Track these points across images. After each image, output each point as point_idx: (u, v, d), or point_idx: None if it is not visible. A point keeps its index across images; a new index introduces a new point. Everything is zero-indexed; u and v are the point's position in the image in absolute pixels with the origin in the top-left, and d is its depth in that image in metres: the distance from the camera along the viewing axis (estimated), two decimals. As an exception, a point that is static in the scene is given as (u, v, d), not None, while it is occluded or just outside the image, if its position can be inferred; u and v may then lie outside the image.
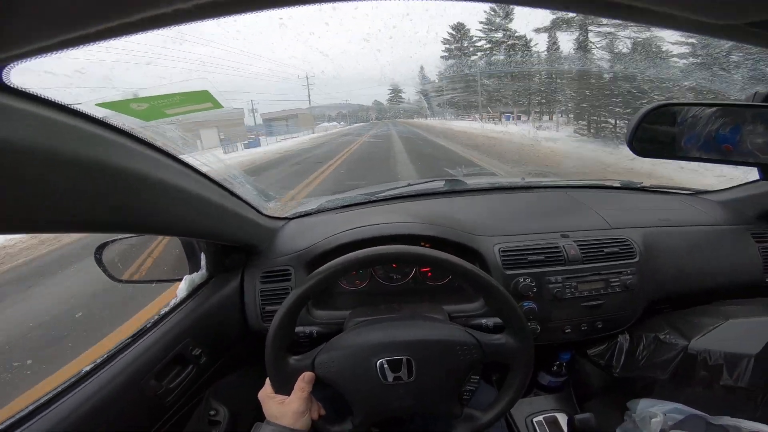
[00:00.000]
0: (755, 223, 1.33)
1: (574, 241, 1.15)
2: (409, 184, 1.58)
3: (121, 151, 0.53)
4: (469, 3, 0.26)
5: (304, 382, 0.76)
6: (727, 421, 0.90)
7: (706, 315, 1.09)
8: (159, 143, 0.62)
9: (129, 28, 0.24)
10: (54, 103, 0.44)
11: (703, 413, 0.94)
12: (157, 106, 0.53)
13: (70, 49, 0.28)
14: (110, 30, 0.23)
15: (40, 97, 0.42)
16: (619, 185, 1.61)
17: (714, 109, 0.71)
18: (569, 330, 1.13)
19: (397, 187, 1.54)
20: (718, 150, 0.73)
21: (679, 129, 0.76)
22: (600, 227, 1.23)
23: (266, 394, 0.78)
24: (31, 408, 0.67)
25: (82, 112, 0.48)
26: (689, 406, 0.97)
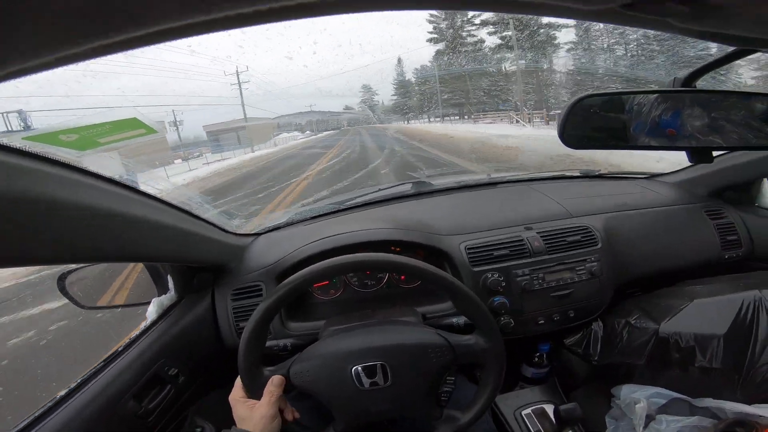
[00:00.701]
0: (708, 201, 1.37)
1: (537, 233, 1.16)
2: (379, 189, 1.58)
3: (61, 184, 0.52)
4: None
5: (273, 386, 0.76)
6: (710, 403, 0.91)
7: (672, 296, 1.10)
8: (105, 174, 0.61)
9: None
10: None
11: (685, 396, 0.95)
12: (88, 136, 0.53)
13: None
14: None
15: None
16: (578, 174, 1.64)
17: (655, 95, 0.72)
18: (542, 321, 1.14)
19: (366, 194, 1.54)
20: (664, 135, 0.74)
21: (626, 117, 0.76)
22: (562, 216, 1.25)
23: (236, 397, 0.78)
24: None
25: (12, 147, 0.47)
26: (670, 389, 0.98)
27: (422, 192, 1.54)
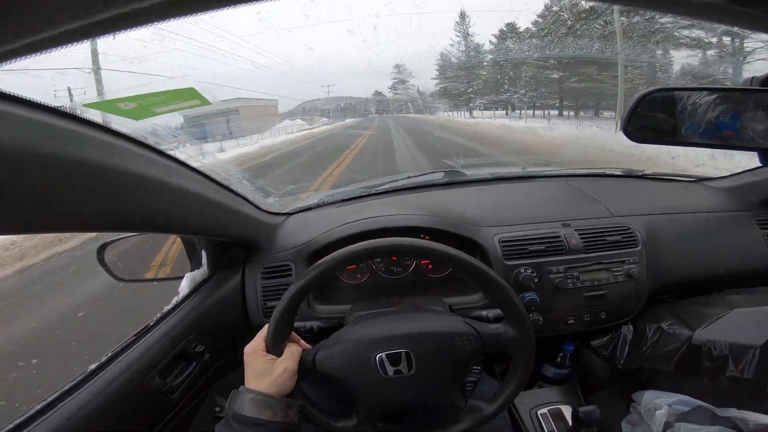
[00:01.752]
0: (759, 210, 1.31)
1: (575, 230, 1.13)
2: (408, 177, 1.57)
3: (113, 151, 0.53)
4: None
5: (297, 343, 0.77)
6: (733, 413, 0.89)
7: (710, 305, 1.07)
8: (151, 142, 0.62)
9: (108, 26, 0.24)
10: (43, 105, 0.44)
11: (708, 405, 0.93)
12: (144, 105, 0.54)
13: (50, 50, 0.28)
14: (89, 28, 0.23)
15: (29, 100, 0.42)
16: (620, 173, 1.59)
17: (714, 96, 0.70)
18: (572, 321, 1.12)
19: (397, 180, 1.53)
20: (719, 137, 0.72)
21: (680, 116, 0.75)
22: (601, 216, 1.21)
23: (256, 349, 0.73)
24: (38, 407, 0.69)
25: (71, 114, 0.48)
26: (694, 397, 0.96)
27: (455, 181, 1.52)
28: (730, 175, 1.45)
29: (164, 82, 0.52)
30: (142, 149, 0.60)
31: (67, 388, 0.73)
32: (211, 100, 0.56)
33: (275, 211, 1.23)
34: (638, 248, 1.13)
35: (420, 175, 1.60)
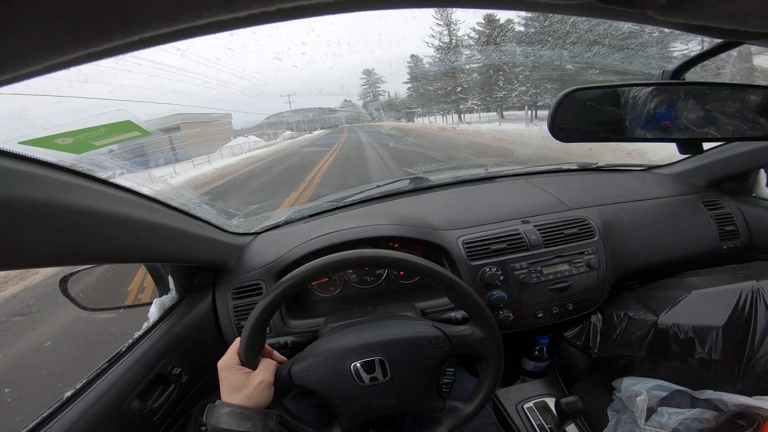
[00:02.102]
0: (705, 192, 1.37)
1: (534, 226, 1.16)
2: (377, 186, 1.58)
3: (62, 188, 0.53)
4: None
5: (271, 356, 0.77)
6: (711, 395, 0.91)
7: (670, 288, 1.10)
8: (102, 175, 0.62)
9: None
10: None
11: (686, 388, 0.96)
12: (83, 140, 0.54)
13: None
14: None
15: None
16: (575, 167, 1.63)
17: (650, 88, 0.72)
18: (541, 314, 1.14)
19: (364, 191, 1.54)
20: (658, 127, 0.74)
21: (622, 110, 0.77)
22: (559, 209, 1.25)
23: (230, 363, 0.72)
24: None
25: (10, 152, 0.48)
26: (669, 381, 0.99)
27: (420, 188, 1.54)
28: (677, 162, 1.51)
29: (97, 117, 0.52)
30: (90, 182, 0.60)
31: (45, 414, 0.72)
32: (152, 132, 0.56)
33: (241, 231, 1.23)
34: (595, 239, 1.17)
35: (386, 184, 1.62)
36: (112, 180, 0.64)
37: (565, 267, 1.13)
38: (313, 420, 0.81)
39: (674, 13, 0.26)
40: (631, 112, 0.76)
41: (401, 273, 1.22)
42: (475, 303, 0.77)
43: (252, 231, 1.27)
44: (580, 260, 1.14)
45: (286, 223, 1.35)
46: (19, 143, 0.50)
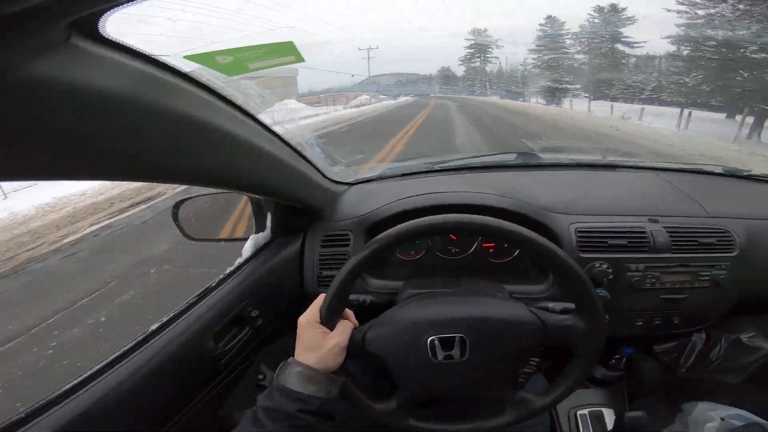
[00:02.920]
0: None
1: (663, 227, 1.03)
2: (476, 156, 1.50)
3: (202, 105, 0.54)
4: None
5: (349, 318, 0.76)
6: None
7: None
8: (239, 101, 0.63)
9: None
10: (144, 55, 0.45)
11: (765, 422, 0.86)
12: (240, 59, 0.54)
13: None
14: None
15: (132, 49, 0.43)
16: (721, 171, 1.42)
17: None
18: (640, 323, 1.04)
19: (464, 158, 1.47)
20: None
21: None
22: (696, 214, 1.09)
23: (310, 320, 0.71)
24: (110, 359, 0.73)
25: (169, 66, 0.48)
26: (755, 414, 0.89)
27: (529, 164, 1.44)
28: None
29: (264, 35, 0.52)
30: (231, 108, 0.61)
31: (128, 347, 0.76)
32: (305, 58, 0.55)
33: (339, 180, 1.22)
34: (734, 254, 1.02)
35: (490, 155, 1.52)
36: (246, 108, 0.65)
37: (687, 278, 1.01)
38: (370, 388, 0.78)
39: None
40: None
41: (491, 250, 1.14)
42: (587, 293, 0.70)
43: (347, 181, 1.26)
44: (708, 274, 1.01)
45: (380, 178, 1.32)
46: (183, 57, 0.51)
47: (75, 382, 0.68)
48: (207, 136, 0.56)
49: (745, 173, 1.39)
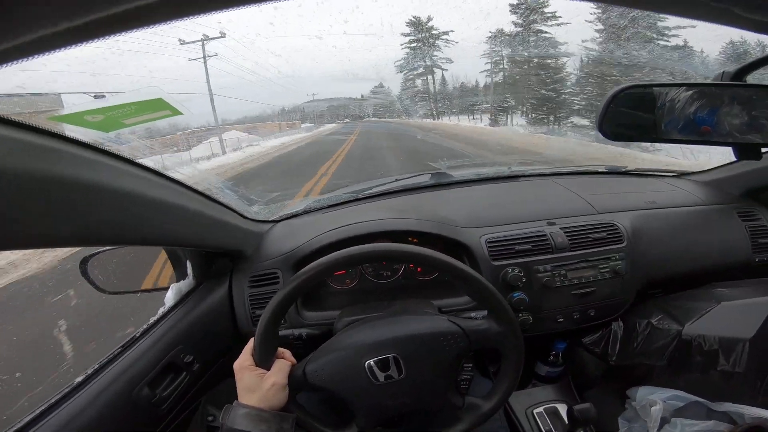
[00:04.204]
0: (740, 202, 1.33)
1: (560, 228, 1.13)
2: (396, 179, 1.56)
3: (86, 165, 0.52)
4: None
5: (285, 356, 0.76)
6: (728, 407, 0.89)
7: (698, 299, 1.08)
8: (126, 154, 0.61)
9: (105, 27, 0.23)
10: (10, 120, 0.43)
11: (703, 399, 0.93)
12: (113, 117, 0.53)
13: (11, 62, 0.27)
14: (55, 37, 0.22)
15: None
16: (604, 170, 1.59)
17: (691, 91, 0.70)
18: (561, 319, 1.11)
19: (384, 184, 1.52)
20: (697, 132, 0.72)
21: (658, 113, 0.74)
22: (586, 213, 1.21)
23: (244, 364, 0.73)
24: (26, 419, 0.68)
25: (40, 128, 0.47)
26: (688, 392, 0.96)
27: (441, 183, 1.51)
28: (711, 169, 1.47)
29: (130, 94, 0.52)
30: (117, 162, 0.59)
31: (53, 400, 0.72)
32: (182, 111, 0.55)
33: (261, 219, 1.22)
34: (623, 244, 1.13)
35: (406, 178, 1.59)
36: (138, 160, 0.64)
37: (590, 272, 1.10)
38: (327, 417, 0.79)
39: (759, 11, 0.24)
40: (668, 115, 0.74)
41: (419, 269, 1.20)
42: (492, 296, 0.75)
43: (271, 219, 1.26)
44: (606, 266, 1.11)
45: (305, 212, 1.34)
46: (48, 119, 0.50)
47: None
48: (97, 197, 0.54)
49: (623, 169, 1.57)
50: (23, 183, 0.43)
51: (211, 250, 1.01)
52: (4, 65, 0.25)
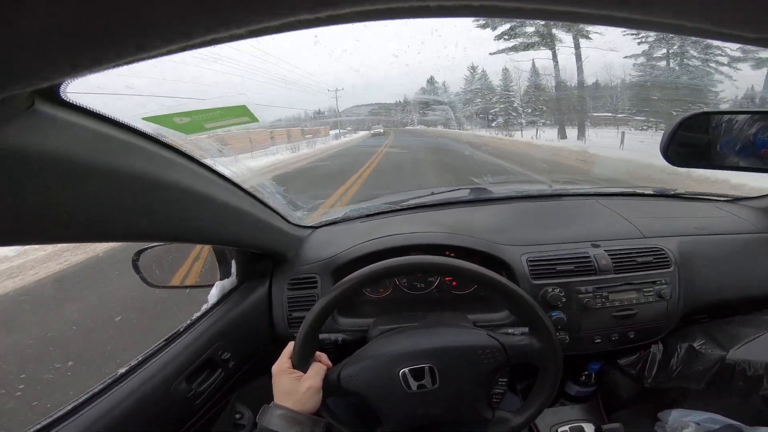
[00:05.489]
0: None
1: (605, 251, 1.11)
2: (432, 193, 1.57)
3: (160, 163, 0.55)
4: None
5: (322, 359, 0.78)
6: (763, 431, 0.87)
7: (745, 325, 1.05)
8: (196, 155, 0.64)
9: (173, 47, 0.25)
10: (103, 116, 0.46)
11: (738, 423, 0.91)
12: (197, 120, 0.56)
13: (124, 64, 0.29)
14: (162, 46, 0.24)
15: (92, 111, 0.44)
16: (651, 192, 1.56)
17: (757, 117, 0.70)
18: (599, 340, 1.10)
19: (421, 196, 1.53)
20: (757, 155, 0.72)
21: (713, 134, 0.74)
22: (632, 236, 1.19)
23: (282, 367, 0.75)
24: (68, 408, 0.70)
25: (127, 125, 0.50)
26: (724, 416, 0.94)
27: (481, 199, 1.51)
28: (766, 195, 1.41)
29: (217, 99, 0.54)
30: (185, 160, 0.62)
31: (96, 390, 0.74)
32: (259, 118, 0.58)
33: (303, 224, 1.25)
34: (670, 269, 1.11)
35: (445, 192, 1.59)
36: (203, 160, 0.67)
37: (633, 295, 1.08)
38: (353, 422, 0.81)
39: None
40: (725, 136, 0.74)
41: (454, 283, 1.20)
42: (535, 313, 0.76)
43: (311, 224, 1.29)
44: (651, 290, 1.09)
45: (344, 220, 1.36)
46: (141, 119, 0.53)
47: (40, 425, 0.66)
48: (167, 194, 0.57)
49: (672, 192, 1.53)
50: (104, 176, 0.46)
51: (258, 251, 1.04)
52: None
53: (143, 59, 0.26)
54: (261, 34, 0.23)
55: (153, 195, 0.54)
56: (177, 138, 0.59)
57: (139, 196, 0.52)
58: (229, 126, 0.58)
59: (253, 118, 0.57)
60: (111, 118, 0.47)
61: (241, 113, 0.56)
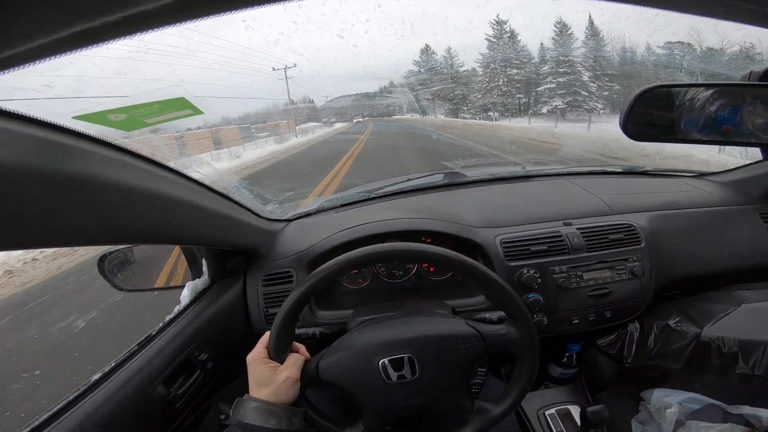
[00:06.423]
0: (762, 203, 1.30)
1: (577, 229, 1.12)
2: (408, 179, 1.56)
3: (109, 164, 0.53)
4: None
5: (299, 351, 0.76)
6: (745, 410, 0.88)
7: (717, 301, 1.06)
8: (147, 153, 0.62)
9: (99, 35, 0.23)
10: (36, 120, 0.44)
11: (720, 402, 0.92)
12: (135, 116, 0.53)
13: (41, 60, 0.27)
14: (84, 35, 0.22)
15: (23, 115, 0.42)
16: (621, 170, 1.58)
17: (712, 90, 0.69)
18: (577, 320, 1.10)
19: (396, 183, 1.52)
20: (719, 131, 0.71)
21: (677, 112, 0.74)
22: (603, 213, 1.20)
23: (258, 357, 0.72)
24: (43, 417, 0.69)
25: (64, 128, 0.48)
26: (704, 395, 0.95)
27: (455, 183, 1.51)
28: (732, 169, 1.44)
29: (152, 93, 0.52)
30: (138, 161, 0.60)
31: (71, 398, 0.73)
32: (203, 110, 0.56)
33: (275, 218, 1.23)
34: (641, 245, 1.12)
35: (419, 177, 1.58)
36: (157, 159, 0.65)
37: (607, 273, 1.09)
38: (334, 415, 0.79)
39: None
40: (687, 115, 0.73)
41: (431, 269, 1.20)
42: (513, 301, 0.75)
43: (284, 218, 1.27)
44: (624, 267, 1.09)
45: (318, 211, 1.34)
46: (72, 118, 0.50)
47: None
48: (119, 196, 0.55)
49: (641, 170, 1.55)
50: (49, 182, 0.44)
51: (227, 248, 1.02)
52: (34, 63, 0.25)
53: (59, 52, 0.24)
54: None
55: (100, 197, 0.52)
56: (124, 137, 0.57)
57: (86, 198, 0.50)
58: (172, 120, 0.56)
59: (197, 110, 0.55)
60: (41, 120, 0.45)
61: (182, 106, 0.54)
